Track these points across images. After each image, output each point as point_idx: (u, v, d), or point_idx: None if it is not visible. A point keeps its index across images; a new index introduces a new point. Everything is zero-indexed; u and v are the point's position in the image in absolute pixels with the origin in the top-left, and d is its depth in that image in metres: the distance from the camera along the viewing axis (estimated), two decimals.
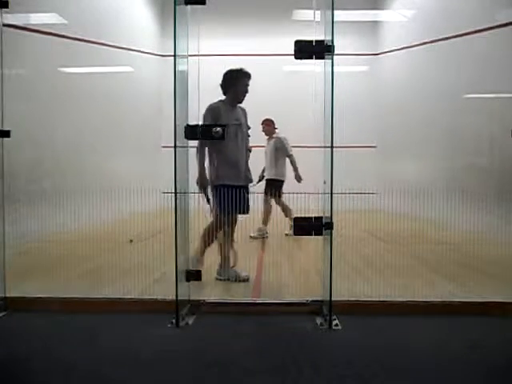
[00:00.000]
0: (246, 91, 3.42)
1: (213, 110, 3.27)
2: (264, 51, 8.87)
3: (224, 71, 3.45)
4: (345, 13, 7.88)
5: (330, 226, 2.56)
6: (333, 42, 2.47)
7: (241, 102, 3.47)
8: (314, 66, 2.57)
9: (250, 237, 5.32)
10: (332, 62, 2.47)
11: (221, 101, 3.40)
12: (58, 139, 5.89)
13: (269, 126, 5.78)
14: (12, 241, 3.15)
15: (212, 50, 8.01)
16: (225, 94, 3.43)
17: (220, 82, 3.45)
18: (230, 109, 3.38)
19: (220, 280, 3.39)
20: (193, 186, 2.90)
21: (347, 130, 7.25)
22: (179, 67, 2.53)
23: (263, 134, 5.81)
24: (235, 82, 3.38)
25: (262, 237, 5.42)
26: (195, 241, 2.85)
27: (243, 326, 2.50)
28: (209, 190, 3.37)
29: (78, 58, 6.59)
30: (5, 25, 2.80)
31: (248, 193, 3.48)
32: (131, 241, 4.24)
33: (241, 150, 3.41)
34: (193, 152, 3.12)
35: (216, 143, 3.26)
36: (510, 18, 5.48)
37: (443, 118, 6.89)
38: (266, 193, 5.52)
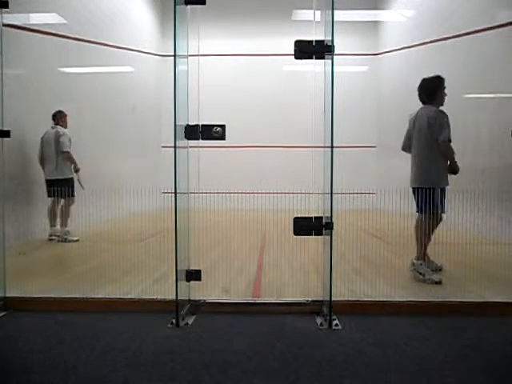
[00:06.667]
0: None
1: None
2: (264, 51, 8.86)
3: (421, 80, 3.56)
4: (345, 13, 7.90)
5: (329, 225, 2.56)
6: (333, 42, 2.47)
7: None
8: (314, 66, 2.57)
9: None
10: (332, 62, 2.47)
11: (427, 107, 3.50)
12: None
13: None
14: (12, 240, 3.15)
15: (212, 50, 8.04)
16: (430, 100, 3.51)
17: (419, 90, 3.56)
18: None
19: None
20: (193, 185, 2.88)
21: (347, 130, 7.26)
22: (179, 67, 2.53)
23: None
24: (440, 88, 3.50)
25: (64, 240, 5.00)
26: (195, 241, 2.85)
27: (243, 326, 2.50)
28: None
29: (78, 57, 6.59)
30: (5, 25, 2.80)
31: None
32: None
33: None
34: (193, 152, 3.08)
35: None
36: (510, 18, 5.49)
37: None
38: (50, 194, 5.13)
